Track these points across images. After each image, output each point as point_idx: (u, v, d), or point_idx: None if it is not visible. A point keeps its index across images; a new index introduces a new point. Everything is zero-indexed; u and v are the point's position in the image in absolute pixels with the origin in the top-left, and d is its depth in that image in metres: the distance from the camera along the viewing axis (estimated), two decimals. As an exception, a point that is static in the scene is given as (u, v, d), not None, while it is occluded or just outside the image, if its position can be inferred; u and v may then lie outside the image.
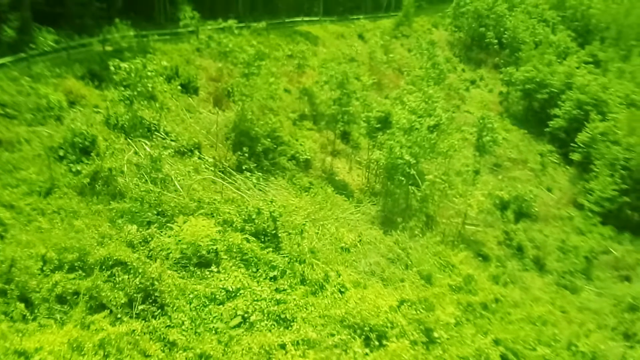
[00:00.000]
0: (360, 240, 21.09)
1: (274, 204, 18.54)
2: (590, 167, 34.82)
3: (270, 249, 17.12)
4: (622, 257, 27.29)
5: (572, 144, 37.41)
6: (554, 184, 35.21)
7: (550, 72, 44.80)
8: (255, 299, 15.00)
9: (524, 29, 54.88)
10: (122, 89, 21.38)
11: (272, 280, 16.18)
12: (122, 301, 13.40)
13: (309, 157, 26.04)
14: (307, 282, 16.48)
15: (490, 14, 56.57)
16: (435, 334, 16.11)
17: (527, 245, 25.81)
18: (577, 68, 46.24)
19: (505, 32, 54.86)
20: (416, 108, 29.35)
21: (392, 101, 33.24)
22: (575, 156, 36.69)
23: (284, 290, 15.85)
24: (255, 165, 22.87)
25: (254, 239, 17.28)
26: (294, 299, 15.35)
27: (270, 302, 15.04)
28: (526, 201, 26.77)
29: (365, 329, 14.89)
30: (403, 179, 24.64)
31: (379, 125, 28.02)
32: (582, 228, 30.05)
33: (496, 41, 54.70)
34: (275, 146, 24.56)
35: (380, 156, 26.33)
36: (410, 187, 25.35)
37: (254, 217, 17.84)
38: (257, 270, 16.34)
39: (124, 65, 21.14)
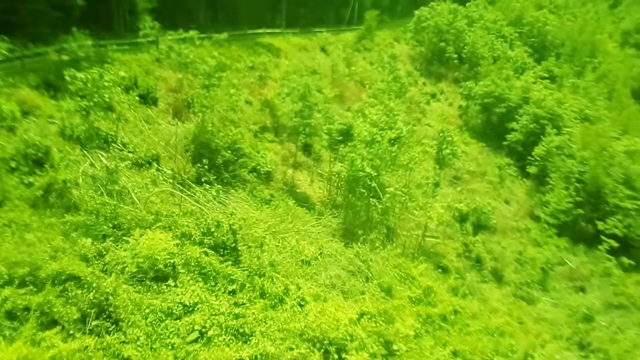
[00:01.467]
0: (321, 253, 21.29)
1: (233, 216, 18.59)
2: (546, 180, 36.19)
3: (230, 263, 17.13)
4: (576, 268, 28.39)
5: (529, 157, 38.82)
6: (511, 197, 36.41)
7: (508, 87, 46.41)
8: (213, 313, 14.98)
9: (483, 44, 56.73)
10: (79, 99, 21.09)
11: (231, 294, 16.18)
12: (75, 317, 13.18)
13: (270, 169, 26.20)
14: (267, 295, 16.56)
15: (450, 29, 58.22)
16: (395, 347, 16.42)
17: (485, 257, 26.58)
18: (534, 83, 48.10)
19: (465, 47, 56.55)
20: (378, 121, 29.93)
21: (354, 114, 33.84)
22: (532, 169, 38.07)
23: (243, 304, 15.87)
24: (215, 177, 22.85)
25: (213, 252, 17.26)
26: (253, 313, 15.39)
27: (229, 316, 15.04)
28: (484, 213, 27.58)
29: (325, 342, 15.04)
30: (364, 191, 25.00)
31: (340, 138, 28.39)
32: (538, 240, 31.15)
33: (456, 56, 56.28)
34: (235, 158, 24.61)
35: (341, 169, 26.68)
36: (371, 199, 25.73)
37: (213, 230, 17.83)
38: (216, 284, 16.32)
39: (80, 75, 20.90)
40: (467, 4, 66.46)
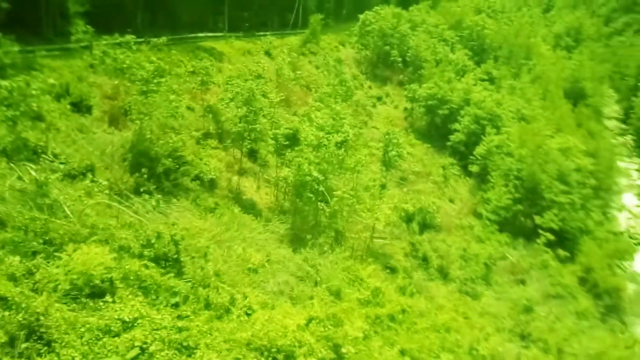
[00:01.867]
0: (268, 260, 20.97)
1: (175, 226, 17.99)
2: (487, 178, 37.29)
3: (172, 275, 16.53)
4: (517, 262, 29.34)
5: (471, 157, 39.92)
6: (455, 195, 37.27)
7: (450, 89, 47.61)
8: (155, 328, 14.37)
9: (426, 48, 58.05)
10: (4, 108, 19.85)
11: (174, 307, 15.61)
12: (2, 340, 12.27)
13: (214, 177, 25.61)
14: (212, 306, 16.09)
15: (394, 33, 59.18)
16: (344, 350, 16.31)
17: (431, 256, 27.01)
18: (474, 85, 49.57)
19: (409, 51, 57.67)
20: (324, 125, 29.97)
21: (301, 118, 33.76)
22: (474, 168, 39.14)
23: (187, 316, 15.34)
24: (155, 187, 22.06)
25: (154, 264, 16.60)
26: (197, 325, 14.88)
27: (172, 330, 14.47)
28: (430, 213, 28.06)
29: (273, 350, 14.74)
30: (312, 195, 24.91)
31: (287, 143, 28.21)
32: (481, 236, 31.99)
33: (400, 59, 57.29)
34: (177, 166, 23.87)
35: (288, 174, 26.45)
36: (319, 203, 25.66)
37: (153, 241, 17.15)
38: (157, 297, 15.70)
39: (4, 83, 19.71)
40: (410, 9, 67.85)
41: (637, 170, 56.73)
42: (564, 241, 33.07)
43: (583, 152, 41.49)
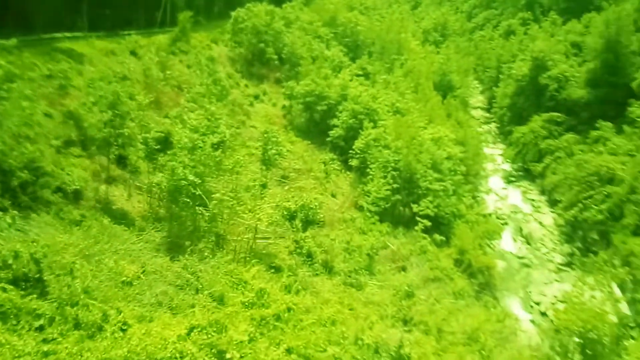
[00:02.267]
0: (144, 271, 20.41)
1: (35, 244, 16.92)
2: (367, 171, 39.14)
3: (34, 296, 15.58)
4: (398, 249, 31.23)
5: (350, 151, 41.60)
6: (337, 190, 38.66)
7: (327, 85, 49.13)
8: (17, 355, 13.52)
9: (301, 45, 59.30)
10: None
11: (38, 330, 14.76)
12: None
13: (79, 187, 24.30)
14: (82, 325, 15.43)
15: (268, 30, 59.61)
16: (228, 355, 16.41)
17: (316, 251, 27.83)
18: (350, 80, 51.58)
19: (284, 48, 58.51)
20: (198, 126, 29.58)
21: (173, 120, 33.03)
22: (354, 162, 40.87)
23: (54, 339, 14.59)
24: (10, 202, 20.50)
25: (12, 287, 15.53)
26: (66, 347, 14.22)
27: (36, 355, 13.71)
28: (312, 209, 28.85)
29: (151, 364, 14.51)
30: (189, 200, 24.54)
31: (159, 147, 27.52)
32: (363, 228, 33.55)
33: (276, 56, 57.94)
34: (35, 178, 22.34)
35: (162, 179, 25.87)
36: (197, 208, 25.32)
37: (10, 262, 16.01)
38: (18, 322, 14.74)
39: None
40: (284, 6, 68.77)
41: (501, 155, 62.68)
42: (440, 226, 35.73)
43: (453, 141, 45.04)
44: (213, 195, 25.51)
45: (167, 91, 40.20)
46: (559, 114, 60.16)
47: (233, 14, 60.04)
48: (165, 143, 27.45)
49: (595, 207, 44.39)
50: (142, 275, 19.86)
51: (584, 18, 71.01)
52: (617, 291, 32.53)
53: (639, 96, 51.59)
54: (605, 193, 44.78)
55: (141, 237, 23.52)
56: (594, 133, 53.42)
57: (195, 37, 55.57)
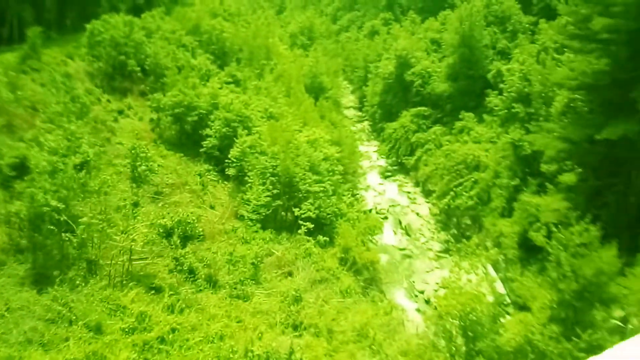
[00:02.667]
0: (8, 309, 19.29)
1: None
2: (245, 179, 39.52)
3: None
4: (283, 255, 31.94)
5: (226, 160, 41.71)
6: (216, 201, 38.62)
7: (196, 95, 48.76)
8: None
9: (165, 55, 58.11)
10: None
11: None
12: None
13: None
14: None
15: (128, 42, 57.73)
16: (110, 385, 16.10)
17: (198, 266, 27.68)
18: (220, 88, 51.64)
19: (147, 59, 56.96)
20: (57, 147, 28.33)
21: (28, 143, 31.18)
22: (231, 171, 41.06)
23: None
24: None
25: None
26: None
27: None
28: (190, 223, 28.65)
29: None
30: (53, 227, 23.45)
31: (14, 173, 26.22)
32: (246, 237, 33.88)
33: (139, 68, 56.25)
34: None
35: (20, 207, 24.54)
36: (63, 234, 24.21)
37: None
38: None
39: None
40: (143, 16, 66.94)
41: (376, 151, 66.24)
42: (323, 227, 37.06)
43: (329, 141, 46.86)
44: (80, 220, 24.58)
45: (20, 113, 37.68)
46: (426, 108, 64.98)
47: (88, 26, 57.35)
48: (21, 168, 26.16)
49: (466, 194, 48.59)
50: (6, 313, 18.80)
51: (440, 16, 77.09)
52: (492, 272, 35.85)
53: (494, 87, 57.08)
54: (473, 180, 49.19)
55: (2, 272, 22.05)
56: (458, 124, 58.32)
57: (47, 53, 52.38)
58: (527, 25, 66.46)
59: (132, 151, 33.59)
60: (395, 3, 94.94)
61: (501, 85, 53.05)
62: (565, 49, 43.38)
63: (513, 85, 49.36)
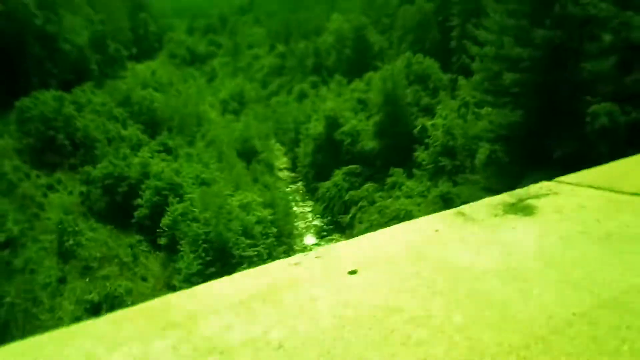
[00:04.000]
0: None
1: None
2: (177, 247, 39.54)
3: None
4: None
5: (158, 230, 41.70)
6: (147, 272, 38.38)
7: (126, 165, 48.98)
8: None
9: (95, 128, 58.31)
10: None
11: None
12: None
13: None
14: None
15: (58, 117, 57.66)
16: None
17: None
18: (151, 158, 52.06)
19: (77, 133, 56.94)
20: (-21, 228, 27.86)
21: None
22: (162, 241, 41.07)
23: None
24: None
25: None
26: None
27: None
28: (117, 297, 28.50)
29: None
30: (-27, 311, 22.92)
31: None
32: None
33: (69, 142, 56.05)
34: None
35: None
36: (-16, 318, 23.66)
37: None
38: None
39: None
40: (73, 90, 67.12)
41: (311, 212, 67.44)
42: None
43: (262, 204, 47.67)
44: (4, 301, 24.15)
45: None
46: (357, 166, 67.12)
47: (17, 104, 57.13)
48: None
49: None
50: None
51: (365, 77, 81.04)
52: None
53: (420, 142, 60.04)
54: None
55: None
56: (389, 179, 60.39)
57: (-31, 131, 51.62)
58: (447, 83, 70.94)
59: (60, 226, 33.38)
60: (322, 66, 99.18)
61: (427, 140, 55.93)
62: (484, 103, 46.65)
63: (438, 140, 52.30)
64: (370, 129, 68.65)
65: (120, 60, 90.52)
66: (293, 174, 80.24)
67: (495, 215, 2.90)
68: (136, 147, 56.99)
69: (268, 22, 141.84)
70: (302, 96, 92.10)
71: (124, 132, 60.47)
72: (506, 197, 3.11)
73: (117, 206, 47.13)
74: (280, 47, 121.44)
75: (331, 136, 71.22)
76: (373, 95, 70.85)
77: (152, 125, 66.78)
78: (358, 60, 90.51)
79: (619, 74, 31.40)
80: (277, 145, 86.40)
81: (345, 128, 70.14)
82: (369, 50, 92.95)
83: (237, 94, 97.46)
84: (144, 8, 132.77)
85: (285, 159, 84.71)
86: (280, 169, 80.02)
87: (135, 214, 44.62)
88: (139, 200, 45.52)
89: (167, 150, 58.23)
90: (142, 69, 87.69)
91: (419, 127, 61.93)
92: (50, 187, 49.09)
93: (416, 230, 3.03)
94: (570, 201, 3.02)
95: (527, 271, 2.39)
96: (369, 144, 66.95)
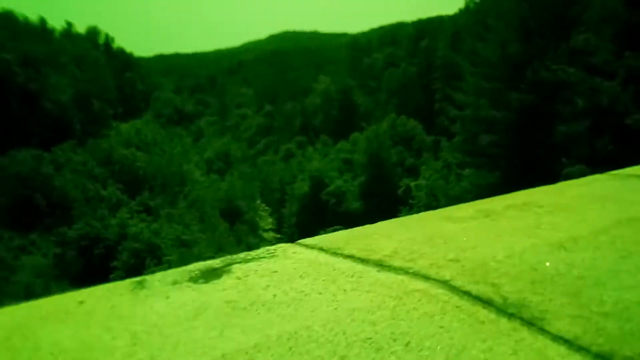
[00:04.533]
0: None
1: None
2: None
3: None
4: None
5: (133, 293, 41.17)
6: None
7: (103, 226, 48.92)
8: None
9: (74, 187, 58.48)
10: None
11: None
12: None
13: None
14: None
15: (35, 176, 57.95)
16: None
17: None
18: (130, 218, 52.04)
19: (54, 192, 57.08)
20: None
21: None
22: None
23: None
24: None
25: None
26: None
27: None
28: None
29: None
30: None
31: None
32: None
33: (45, 202, 56.11)
34: None
35: None
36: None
37: None
38: None
39: None
40: (53, 149, 67.72)
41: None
42: None
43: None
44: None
45: None
46: (341, 227, 67.27)
47: (-8, 164, 57.46)
48: None
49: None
50: None
51: (350, 138, 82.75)
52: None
53: (404, 202, 60.70)
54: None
55: None
56: (373, 241, 60.66)
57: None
58: (430, 144, 72.55)
59: (26, 290, 33.01)
60: (309, 126, 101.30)
61: (411, 201, 56.64)
62: (465, 165, 47.57)
63: (421, 201, 53.00)
64: (356, 190, 69.53)
65: (105, 119, 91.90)
66: (278, 235, 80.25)
67: (175, 283, 2.35)
68: (115, 208, 57.04)
69: (256, 83, 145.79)
70: (288, 156, 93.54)
71: (103, 192, 60.61)
72: (216, 262, 2.61)
73: (93, 268, 46.66)
74: (268, 107, 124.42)
75: (317, 196, 71.92)
76: (358, 156, 72.21)
77: (133, 185, 67.04)
78: (344, 121, 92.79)
79: (591, 137, 32.43)
80: (263, 206, 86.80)
81: (331, 188, 70.97)
82: (355, 111, 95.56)
83: (222, 154, 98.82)
84: (131, 67, 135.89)
85: (270, 220, 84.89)
86: (266, 230, 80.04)
87: (111, 277, 44.14)
88: (116, 263, 45.24)
89: (147, 210, 58.30)
90: (126, 127, 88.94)
91: (403, 188, 62.82)
92: (23, 249, 48.72)
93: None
94: (282, 264, 2.50)
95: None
96: (354, 204, 67.62)
